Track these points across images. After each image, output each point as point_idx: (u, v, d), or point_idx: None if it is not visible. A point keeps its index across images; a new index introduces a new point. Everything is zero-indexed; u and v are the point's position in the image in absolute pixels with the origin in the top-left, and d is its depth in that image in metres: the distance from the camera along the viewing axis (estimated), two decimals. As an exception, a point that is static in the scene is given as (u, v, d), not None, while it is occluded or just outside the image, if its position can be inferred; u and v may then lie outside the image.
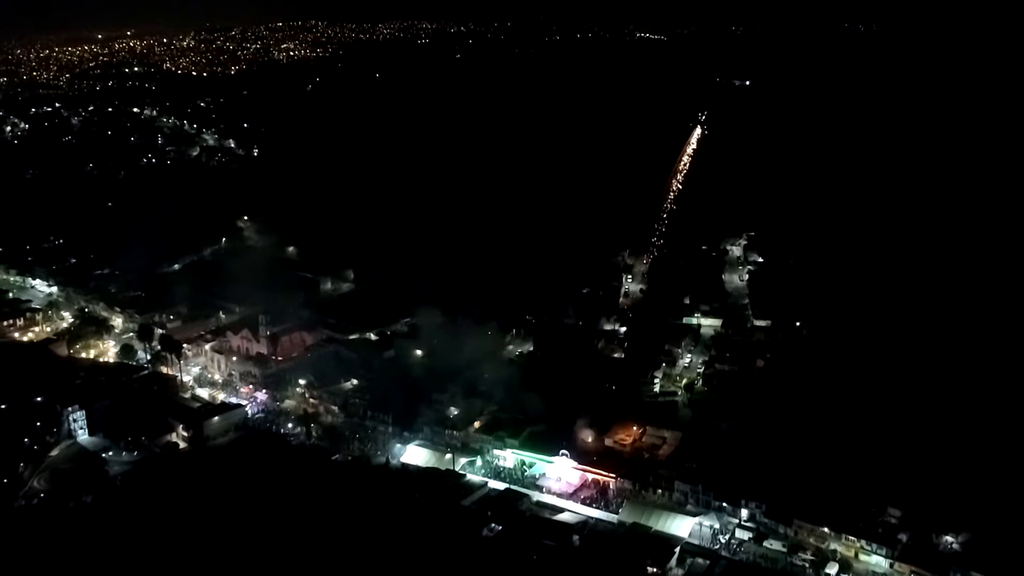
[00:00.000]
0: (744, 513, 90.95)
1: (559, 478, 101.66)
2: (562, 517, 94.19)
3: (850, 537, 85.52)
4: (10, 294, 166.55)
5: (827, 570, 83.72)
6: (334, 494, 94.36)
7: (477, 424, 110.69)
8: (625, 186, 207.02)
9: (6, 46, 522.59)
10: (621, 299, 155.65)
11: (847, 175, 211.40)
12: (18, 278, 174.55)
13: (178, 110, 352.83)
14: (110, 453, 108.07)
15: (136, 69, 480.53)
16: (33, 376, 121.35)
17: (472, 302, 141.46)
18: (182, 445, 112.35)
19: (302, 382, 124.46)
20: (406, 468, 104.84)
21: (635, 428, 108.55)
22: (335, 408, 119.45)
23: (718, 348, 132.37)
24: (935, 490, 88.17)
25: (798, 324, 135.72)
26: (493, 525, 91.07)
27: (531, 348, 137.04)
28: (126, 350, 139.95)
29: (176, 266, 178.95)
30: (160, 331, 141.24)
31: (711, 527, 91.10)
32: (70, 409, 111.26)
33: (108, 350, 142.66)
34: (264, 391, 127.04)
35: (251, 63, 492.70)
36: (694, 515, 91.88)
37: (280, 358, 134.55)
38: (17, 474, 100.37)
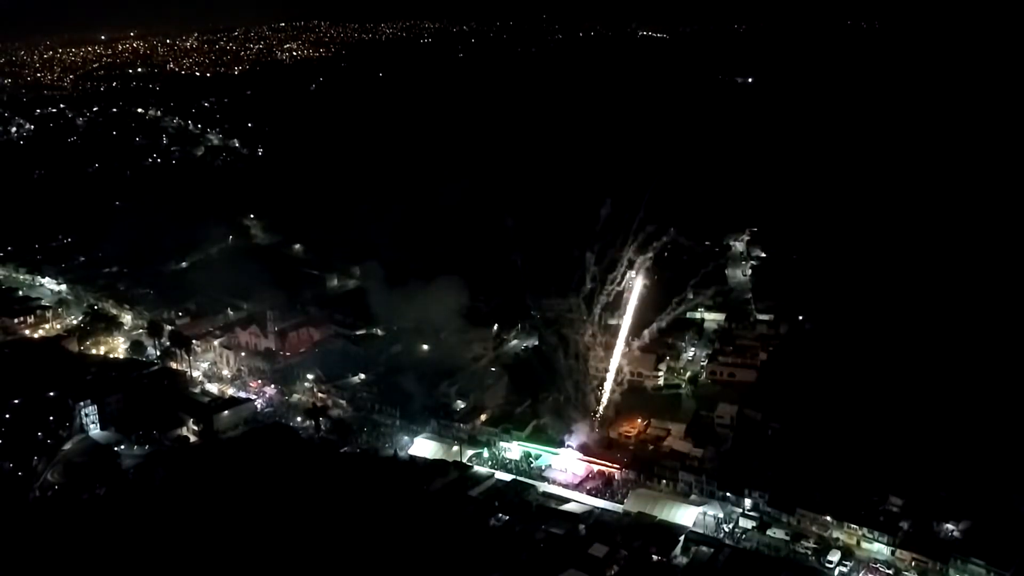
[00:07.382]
0: (748, 502, 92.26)
1: (565, 469, 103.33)
2: (568, 507, 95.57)
3: (852, 525, 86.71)
4: (19, 292, 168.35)
5: (829, 557, 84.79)
6: (343, 485, 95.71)
7: (483, 417, 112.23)
8: (625, 184, 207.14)
9: (9, 48, 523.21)
10: (626, 293, 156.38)
11: (850, 171, 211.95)
12: (27, 276, 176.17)
13: (182, 110, 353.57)
14: (122, 447, 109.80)
15: (140, 70, 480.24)
16: (45, 372, 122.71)
17: (477, 298, 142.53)
18: (193, 439, 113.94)
19: (310, 377, 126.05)
20: (414, 460, 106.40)
21: (640, 420, 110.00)
22: (343, 402, 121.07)
23: (721, 342, 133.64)
24: (936, 478, 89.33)
25: (800, 318, 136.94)
26: (500, 515, 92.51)
27: (535, 343, 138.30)
28: (136, 346, 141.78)
29: (184, 264, 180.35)
30: (169, 327, 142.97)
31: (715, 516, 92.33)
32: (82, 404, 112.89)
33: (118, 346, 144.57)
34: (273, 386, 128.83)
35: (254, 63, 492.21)
36: (698, 504, 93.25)
37: (288, 353, 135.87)
38: (31, 467, 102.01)
